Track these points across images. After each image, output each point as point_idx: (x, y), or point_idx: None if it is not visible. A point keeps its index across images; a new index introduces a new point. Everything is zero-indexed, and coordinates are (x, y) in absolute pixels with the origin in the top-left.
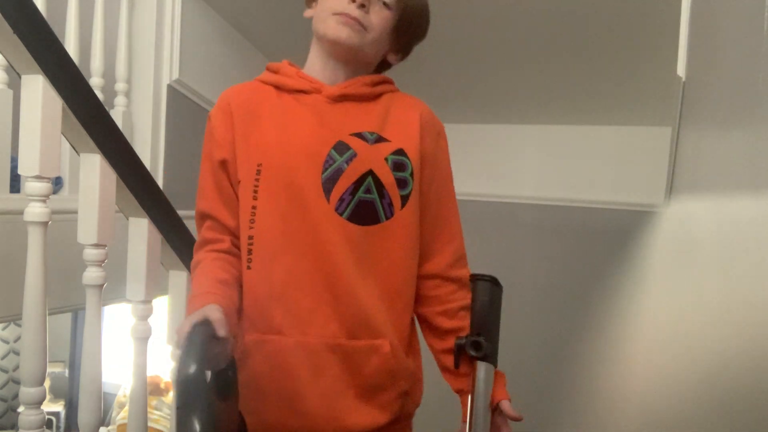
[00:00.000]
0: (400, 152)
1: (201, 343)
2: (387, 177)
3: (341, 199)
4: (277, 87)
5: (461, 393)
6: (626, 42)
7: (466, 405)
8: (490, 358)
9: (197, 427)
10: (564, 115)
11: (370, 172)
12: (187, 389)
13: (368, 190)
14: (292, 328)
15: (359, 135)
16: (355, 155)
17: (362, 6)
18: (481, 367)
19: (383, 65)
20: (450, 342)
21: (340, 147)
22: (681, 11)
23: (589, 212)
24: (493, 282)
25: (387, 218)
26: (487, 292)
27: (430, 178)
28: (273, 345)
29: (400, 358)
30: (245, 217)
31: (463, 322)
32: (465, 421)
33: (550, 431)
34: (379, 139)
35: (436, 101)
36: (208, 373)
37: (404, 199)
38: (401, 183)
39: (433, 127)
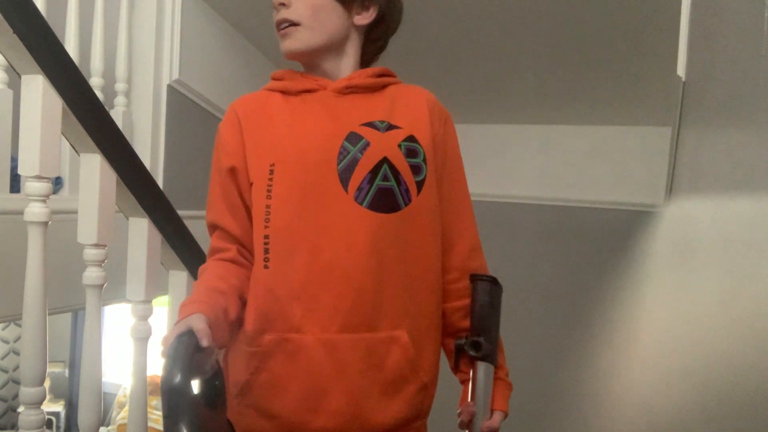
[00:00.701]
0: (411, 139)
1: (185, 352)
2: (401, 163)
3: (360, 188)
4: (284, 92)
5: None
6: (626, 42)
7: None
8: (490, 358)
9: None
10: (564, 115)
11: (385, 160)
12: (172, 399)
13: (386, 178)
14: (313, 325)
15: (370, 124)
16: (368, 144)
17: (282, 5)
18: (481, 368)
19: (371, 34)
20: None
21: (353, 137)
22: (681, 11)
23: (589, 212)
24: (493, 282)
25: (405, 205)
26: (486, 293)
27: (441, 166)
28: (294, 344)
29: (420, 348)
30: (259, 217)
31: None
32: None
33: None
34: (390, 127)
35: None
36: (195, 383)
37: (419, 185)
38: (415, 169)
39: (440, 114)
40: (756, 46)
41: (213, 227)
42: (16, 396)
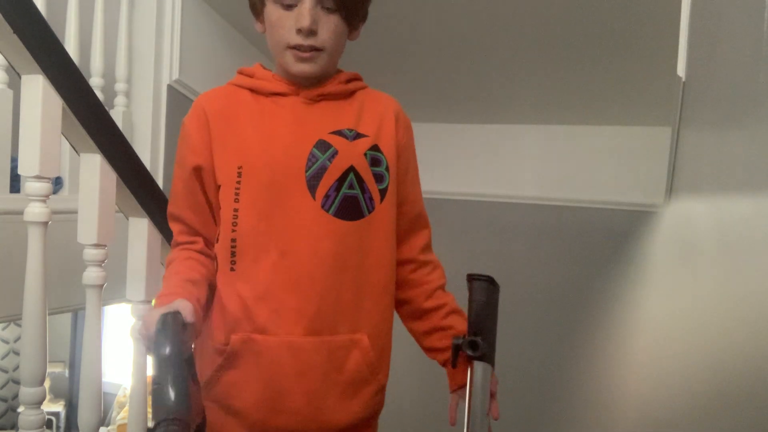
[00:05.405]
0: (376, 148)
1: (173, 327)
2: (366, 172)
3: (327, 196)
4: (253, 90)
5: (446, 365)
6: (626, 42)
7: (454, 377)
8: (488, 357)
9: (172, 394)
10: (564, 115)
11: (352, 168)
12: (163, 367)
13: (351, 186)
14: (278, 327)
15: (339, 132)
16: (336, 152)
17: (311, 33)
18: (479, 367)
19: None
20: (431, 322)
21: (321, 145)
22: (681, 11)
23: (589, 212)
24: (490, 281)
25: (369, 212)
26: (483, 292)
27: (405, 169)
28: (259, 344)
29: (381, 351)
30: (227, 221)
31: (441, 300)
32: (453, 392)
33: (549, 431)
34: (358, 136)
35: (436, 101)
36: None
37: (382, 193)
38: (378, 177)
39: (404, 122)
40: (756, 46)
41: (174, 219)
42: (16, 396)
